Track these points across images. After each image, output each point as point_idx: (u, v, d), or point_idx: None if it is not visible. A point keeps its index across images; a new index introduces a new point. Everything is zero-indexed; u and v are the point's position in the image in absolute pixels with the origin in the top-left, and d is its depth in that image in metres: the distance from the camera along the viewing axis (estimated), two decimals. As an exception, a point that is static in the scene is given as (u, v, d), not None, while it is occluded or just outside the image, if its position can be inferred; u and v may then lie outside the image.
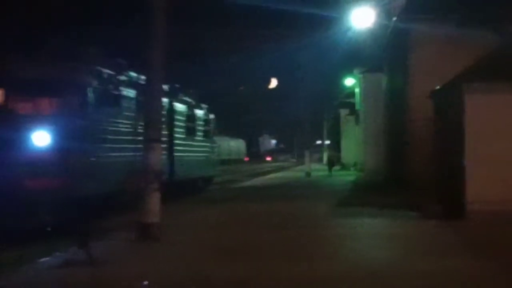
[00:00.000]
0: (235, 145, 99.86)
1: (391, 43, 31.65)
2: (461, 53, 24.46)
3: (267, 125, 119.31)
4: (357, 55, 43.19)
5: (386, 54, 34.36)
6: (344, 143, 61.07)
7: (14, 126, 16.15)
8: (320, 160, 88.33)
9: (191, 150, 28.03)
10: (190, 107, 28.24)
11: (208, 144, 31.38)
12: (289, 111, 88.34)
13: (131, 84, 20.40)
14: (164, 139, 21.14)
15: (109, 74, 18.96)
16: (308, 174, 46.88)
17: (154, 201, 14.23)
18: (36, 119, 16.48)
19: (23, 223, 15.36)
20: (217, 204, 23.99)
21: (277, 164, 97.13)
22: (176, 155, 25.47)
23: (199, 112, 29.73)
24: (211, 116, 32.11)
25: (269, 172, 62.71)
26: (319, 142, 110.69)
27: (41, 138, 16.16)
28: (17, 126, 16.16)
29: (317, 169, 60.29)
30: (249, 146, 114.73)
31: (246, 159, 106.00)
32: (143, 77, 17.92)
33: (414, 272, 10.83)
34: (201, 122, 29.96)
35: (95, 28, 33.78)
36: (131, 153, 18.56)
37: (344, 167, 57.72)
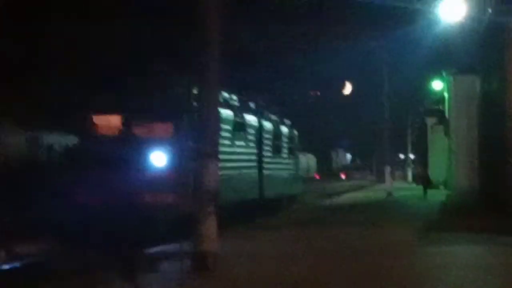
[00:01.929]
0: (304, 161, 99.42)
1: (486, 39, 31.20)
2: None
3: (341, 137, 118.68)
4: (446, 55, 42.67)
5: (481, 52, 33.89)
6: (432, 158, 60.37)
7: (132, 148, 20.32)
8: (404, 177, 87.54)
9: (277, 168, 31.68)
10: (276, 124, 32.03)
11: (292, 161, 35.29)
12: (366, 121, 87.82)
13: (225, 104, 24.86)
14: (253, 157, 27.88)
15: None
16: (389, 194, 46.48)
17: (210, 226, 14.22)
18: (149, 141, 20.68)
19: (141, 233, 18.56)
20: (285, 229, 23.97)
21: (353, 182, 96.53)
22: (265, 173, 29.11)
23: (284, 129, 33.53)
24: (295, 132, 35.89)
25: (344, 191, 62.36)
26: (402, 156, 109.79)
27: (156, 159, 20.28)
28: (135, 148, 20.31)
29: (400, 188, 59.68)
30: (320, 161, 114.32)
31: (317, 176, 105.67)
32: (234, 96, 26.24)
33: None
34: (286, 139, 33.64)
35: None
36: (231, 171, 24.27)
37: (432, 185, 57.01)
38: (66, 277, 14.90)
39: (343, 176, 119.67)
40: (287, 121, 34.89)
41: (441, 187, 52.58)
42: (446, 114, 47.91)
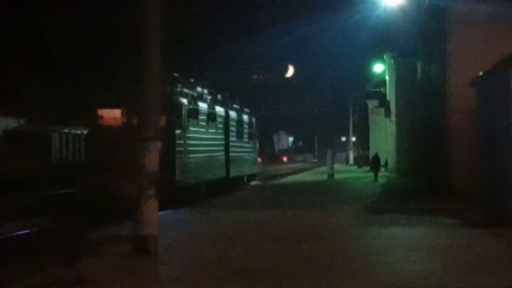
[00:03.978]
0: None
1: (426, 23, 31.52)
2: (509, 34, 24.37)
3: (283, 120, 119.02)
4: (387, 38, 43.09)
5: (421, 36, 34.22)
6: (373, 140, 60.91)
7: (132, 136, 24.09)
8: (345, 159, 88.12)
9: (240, 151, 37.35)
10: (239, 112, 37.43)
11: (252, 145, 41.15)
12: (308, 104, 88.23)
13: (201, 98, 30.29)
14: (222, 142, 33.13)
15: (190, 94, 28.76)
16: (330, 176, 46.78)
17: (151, 210, 14.17)
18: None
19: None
20: (228, 210, 24.05)
21: (295, 165, 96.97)
22: (231, 155, 34.61)
23: (245, 117, 39.07)
24: (253, 119, 41.48)
25: (285, 174, 62.61)
26: (344, 139, 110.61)
27: None
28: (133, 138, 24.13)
29: (342, 170, 60.10)
30: (262, 144, 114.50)
31: (258, 159, 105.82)
32: (206, 90, 31.75)
33: (455, 290, 10.76)
34: (246, 126, 39.18)
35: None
36: (206, 154, 29.96)
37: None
38: (3, 263, 14.74)
39: (285, 159, 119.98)
40: (247, 109, 40.18)
41: (382, 169, 53.09)
42: (387, 97, 48.34)
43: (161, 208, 23.58)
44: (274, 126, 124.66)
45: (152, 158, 14.42)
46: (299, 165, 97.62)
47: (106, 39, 40.13)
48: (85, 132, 30.39)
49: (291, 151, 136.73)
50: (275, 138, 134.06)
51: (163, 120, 24.78)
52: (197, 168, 28.68)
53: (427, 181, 30.91)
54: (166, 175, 24.00)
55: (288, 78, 70.48)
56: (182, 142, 26.98)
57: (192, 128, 28.24)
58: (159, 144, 14.90)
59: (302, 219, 20.98)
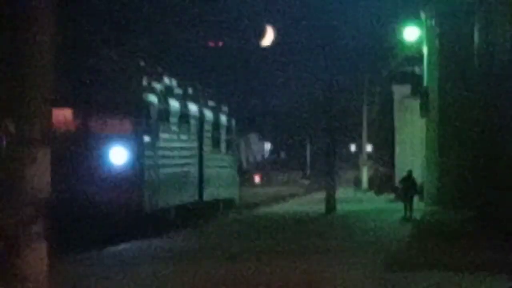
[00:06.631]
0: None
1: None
2: None
3: (255, 117, 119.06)
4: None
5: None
6: (401, 151, 60.91)
7: (88, 145, 29.44)
8: (356, 182, 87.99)
9: (217, 165, 41.93)
10: (215, 112, 42.08)
11: (230, 158, 45.90)
12: (297, 91, 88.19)
13: (171, 93, 34.57)
14: (195, 153, 37.79)
15: (159, 88, 32.76)
16: (330, 208, 46.71)
17: (35, 257, 13.92)
18: (105, 137, 29.78)
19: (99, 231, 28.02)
20: (169, 261, 24.01)
21: (274, 189, 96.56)
22: (206, 172, 38.95)
23: (223, 118, 43.97)
24: (233, 121, 46.42)
25: (259, 203, 62.36)
26: (353, 148, 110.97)
27: (115, 155, 29.71)
28: (90, 144, 29.48)
29: (350, 198, 60.14)
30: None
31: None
32: (175, 82, 35.60)
33: None
34: (224, 131, 44.03)
35: None
36: (179, 169, 34.80)
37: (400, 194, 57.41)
38: None
39: (257, 179, 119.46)
40: (225, 108, 44.69)
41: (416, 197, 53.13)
42: (425, 81, 48.43)
43: (117, 240, 27.44)
44: (240, 127, 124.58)
45: (38, 172, 14.17)
46: (282, 189, 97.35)
47: None
48: None
49: (269, 167, 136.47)
50: (242, 144, 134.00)
51: (127, 124, 29.69)
52: (168, 188, 32.63)
53: (487, 218, 30.90)
54: (130, 196, 29.07)
55: (265, 48, 70.47)
56: (151, 153, 30.98)
57: (162, 135, 32.55)
58: (49, 151, 14.69)
59: (286, 280, 20.75)
